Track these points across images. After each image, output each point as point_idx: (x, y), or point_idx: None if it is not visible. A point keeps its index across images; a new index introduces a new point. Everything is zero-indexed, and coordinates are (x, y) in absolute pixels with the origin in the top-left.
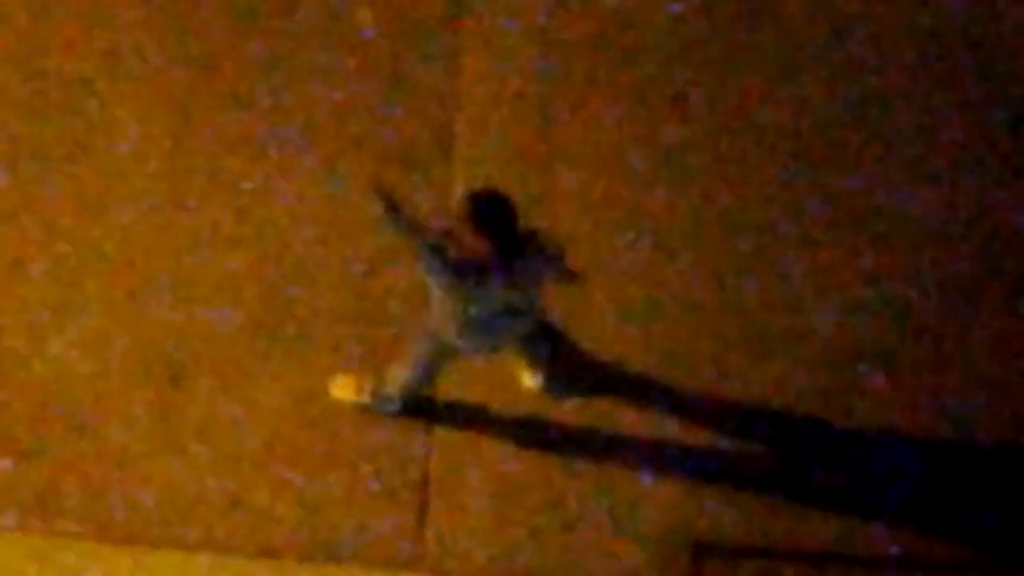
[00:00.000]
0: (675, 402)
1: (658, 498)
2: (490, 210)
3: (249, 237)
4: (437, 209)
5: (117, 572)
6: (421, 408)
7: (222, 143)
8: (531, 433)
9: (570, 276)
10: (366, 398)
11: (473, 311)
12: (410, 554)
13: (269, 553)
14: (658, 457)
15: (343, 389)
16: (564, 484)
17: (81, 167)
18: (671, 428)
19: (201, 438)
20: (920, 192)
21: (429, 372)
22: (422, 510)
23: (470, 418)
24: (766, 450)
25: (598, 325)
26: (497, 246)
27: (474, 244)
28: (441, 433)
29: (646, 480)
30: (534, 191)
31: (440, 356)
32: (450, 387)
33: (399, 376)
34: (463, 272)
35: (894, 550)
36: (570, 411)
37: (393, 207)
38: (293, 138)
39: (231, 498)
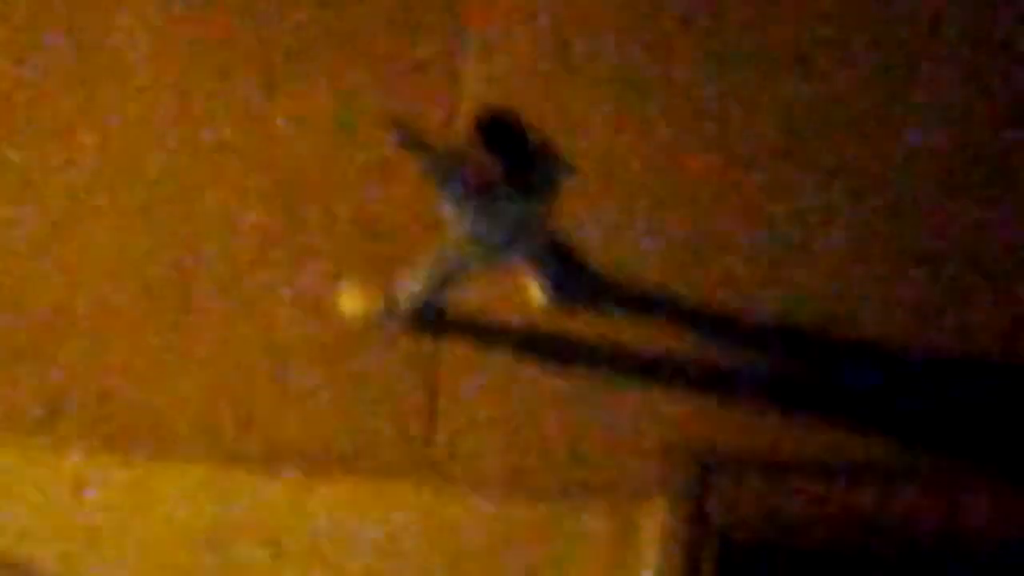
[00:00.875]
0: (682, 316)
1: (664, 412)
2: (500, 131)
3: (258, 152)
4: (444, 124)
5: (122, 484)
6: (430, 318)
7: (232, 61)
8: (540, 344)
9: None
10: (376, 310)
11: (485, 228)
12: (419, 462)
13: (279, 464)
14: (665, 371)
15: (352, 300)
16: (572, 396)
17: (93, 79)
18: (678, 343)
19: (209, 350)
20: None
21: (441, 285)
22: (431, 419)
23: (479, 328)
24: (772, 365)
25: (608, 239)
26: (507, 165)
27: (485, 163)
28: (450, 343)
29: (653, 394)
30: (545, 108)
31: (453, 270)
32: (459, 296)
33: (411, 289)
34: (475, 190)
35: (897, 461)
36: (579, 324)
37: (410, 140)
38: (300, 56)
39: (240, 409)
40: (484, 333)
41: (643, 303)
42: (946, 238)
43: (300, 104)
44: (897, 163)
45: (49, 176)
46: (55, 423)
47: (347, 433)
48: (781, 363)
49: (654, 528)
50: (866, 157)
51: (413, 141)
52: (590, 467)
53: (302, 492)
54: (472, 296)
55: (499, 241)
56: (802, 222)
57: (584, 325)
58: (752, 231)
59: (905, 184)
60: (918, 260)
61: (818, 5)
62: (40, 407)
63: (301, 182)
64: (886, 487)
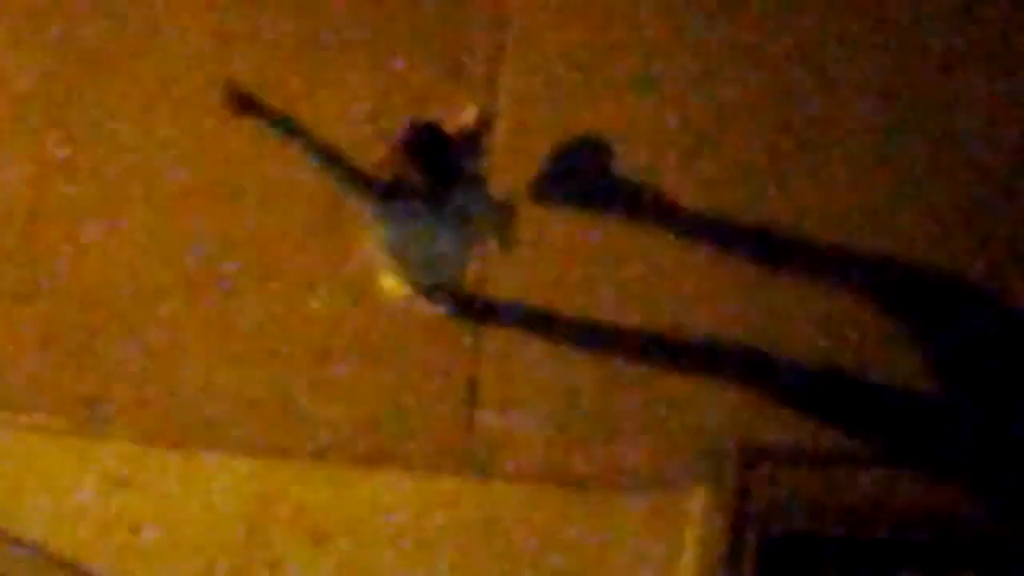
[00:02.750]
0: (723, 310)
1: (707, 404)
2: (427, 140)
3: None
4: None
5: (164, 475)
6: (470, 308)
7: (269, 48)
8: (581, 336)
9: (507, 239)
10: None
11: (397, 238)
12: (458, 456)
13: (318, 456)
14: (708, 363)
15: (392, 281)
16: (613, 389)
17: (131, 71)
18: (720, 336)
19: (250, 341)
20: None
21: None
22: (470, 413)
23: (520, 319)
24: (815, 356)
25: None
26: (427, 176)
27: (405, 171)
28: (490, 334)
29: (696, 386)
30: (580, 104)
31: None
32: (500, 287)
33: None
34: (388, 194)
35: (939, 453)
36: (620, 315)
37: (250, 105)
38: (341, 41)
39: (280, 401)
40: (526, 320)
41: (684, 298)
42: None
43: (340, 95)
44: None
45: (85, 163)
46: (96, 414)
47: (388, 423)
48: (824, 354)
49: (695, 518)
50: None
51: (246, 103)
52: (631, 460)
53: (343, 483)
54: (514, 282)
55: (413, 255)
56: (839, 225)
57: (626, 316)
58: (787, 226)
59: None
60: (972, 240)
61: None
62: (80, 398)
63: None
64: (928, 479)
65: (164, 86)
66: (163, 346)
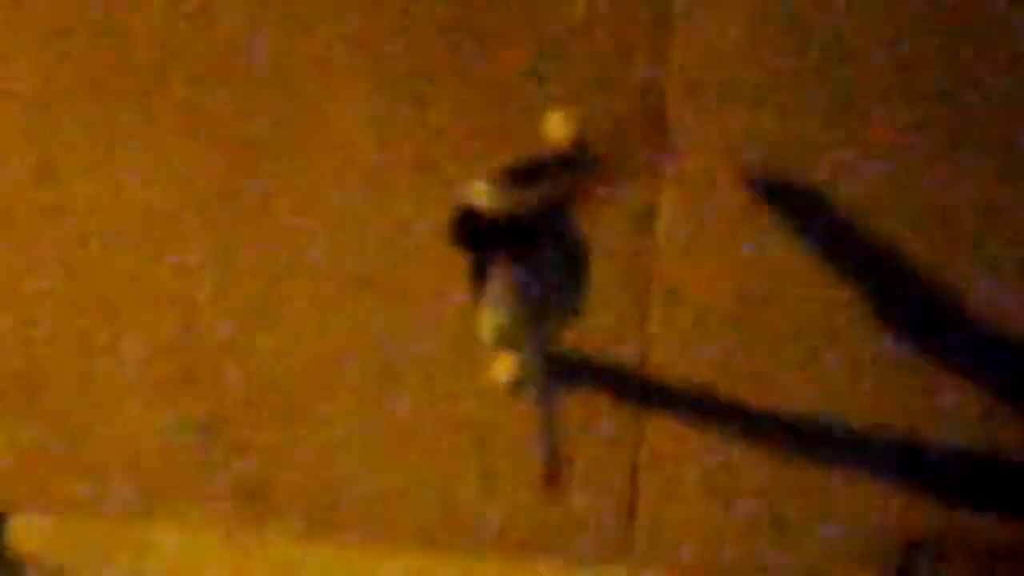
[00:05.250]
0: (890, 399)
1: (870, 494)
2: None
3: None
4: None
5: (329, 568)
6: (631, 390)
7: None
8: (745, 422)
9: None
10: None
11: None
12: (619, 546)
13: (479, 548)
14: (868, 453)
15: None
16: (776, 476)
17: (292, 163)
18: (879, 424)
19: (410, 433)
20: None
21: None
22: (632, 500)
23: (682, 403)
24: (977, 441)
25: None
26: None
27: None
28: (652, 418)
29: (858, 475)
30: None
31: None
32: (661, 368)
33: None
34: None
35: None
36: (782, 401)
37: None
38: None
39: (440, 493)
40: (688, 405)
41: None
42: None
43: None
44: None
45: (246, 255)
46: (256, 506)
47: (546, 517)
48: (988, 441)
49: None
50: None
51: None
52: (795, 551)
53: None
54: (674, 364)
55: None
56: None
57: (787, 401)
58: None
59: None
60: None
61: None
62: (241, 490)
63: None
64: None
65: (324, 178)
66: (325, 437)
